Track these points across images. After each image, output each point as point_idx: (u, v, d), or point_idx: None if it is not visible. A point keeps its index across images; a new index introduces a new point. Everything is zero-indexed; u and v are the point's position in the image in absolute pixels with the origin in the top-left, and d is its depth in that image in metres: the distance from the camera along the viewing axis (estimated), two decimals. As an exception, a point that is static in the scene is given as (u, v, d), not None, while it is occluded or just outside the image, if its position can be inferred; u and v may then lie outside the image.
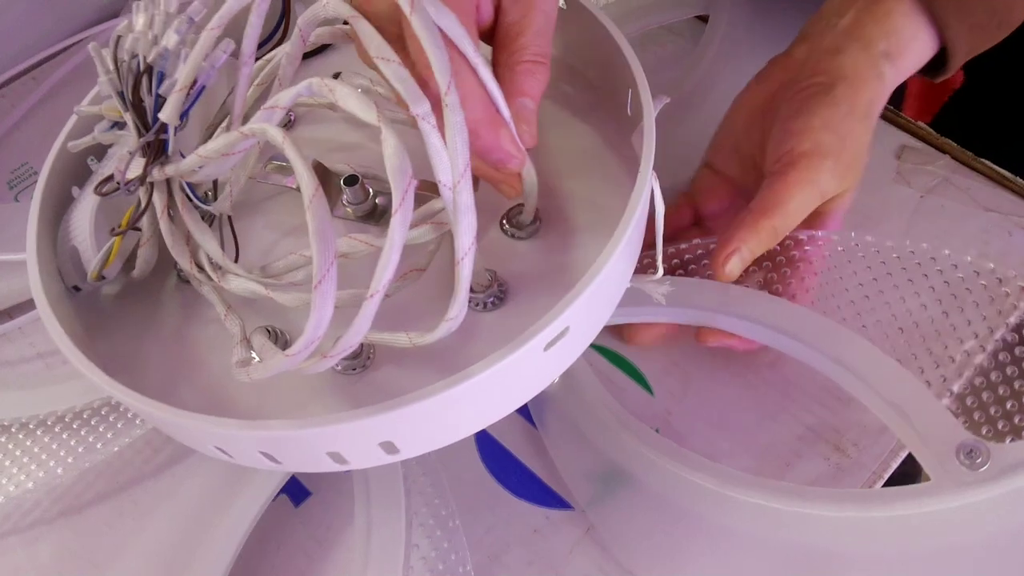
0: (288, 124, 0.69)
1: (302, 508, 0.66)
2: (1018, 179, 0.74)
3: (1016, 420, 0.57)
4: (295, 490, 0.67)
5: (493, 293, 0.54)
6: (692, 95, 0.81)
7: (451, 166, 0.45)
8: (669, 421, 0.67)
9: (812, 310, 0.63)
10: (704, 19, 0.89)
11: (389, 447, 0.49)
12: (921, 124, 0.79)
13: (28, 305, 0.80)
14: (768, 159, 0.64)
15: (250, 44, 0.52)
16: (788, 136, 0.63)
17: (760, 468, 0.64)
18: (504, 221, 0.58)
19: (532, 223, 0.58)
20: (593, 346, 0.70)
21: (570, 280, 0.53)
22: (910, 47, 0.65)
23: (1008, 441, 0.55)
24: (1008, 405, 0.58)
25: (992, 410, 0.58)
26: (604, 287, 0.50)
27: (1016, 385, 0.59)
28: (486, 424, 0.52)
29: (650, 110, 0.55)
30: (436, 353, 0.52)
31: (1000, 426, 0.57)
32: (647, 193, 0.52)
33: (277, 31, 0.69)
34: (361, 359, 0.53)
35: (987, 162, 0.76)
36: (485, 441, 0.68)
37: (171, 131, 0.52)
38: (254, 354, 0.53)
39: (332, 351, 0.46)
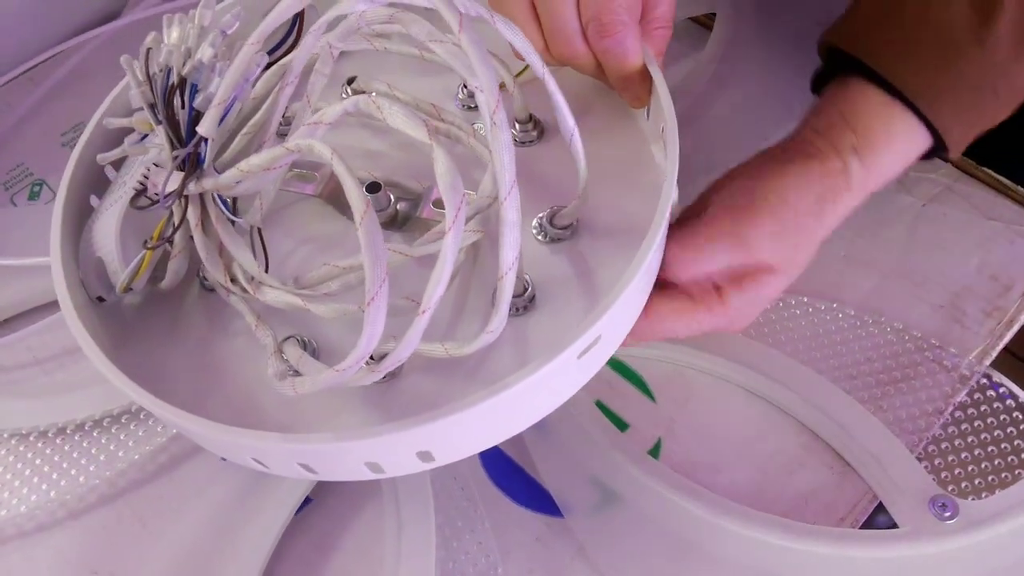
0: None
1: (302, 515, 0.66)
2: (1020, 188, 0.76)
3: (977, 481, 0.62)
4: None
5: (525, 299, 0.54)
6: (702, 97, 0.83)
7: (498, 182, 0.45)
8: (672, 428, 0.68)
9: (796, 360, 0.67)
10: (706, 25, 0.90)
11: (425, 456, 0.49)
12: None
13: (30, 315, 0.80)
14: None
15: (297, 65, 0.53)
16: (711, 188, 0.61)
17: (763, 476, 0.65)
18: (542, 219, 0.58)
19: (568, 226, 0.58)
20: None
21: (594, 287, 0.54)
22: (880, 144, 0.62)
23: (971, 499, 0.60)
24: (970, 468, 0.63)
25: (956, 471, 0.63)
26: (634, 295, 0.51)
27: (985, 445, 0.64)
28: (518, 431, 0.52)
29: (673, 121, 0.56)
30: (464, 361, 0.52)
31: (963, 486, 0.62)
32: (671, 204, 0.53)
33: (289, 36, 0.69)
34: None
35: (989, 171, 0.77)
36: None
37: (208, 145, 0.52)
38: (289, 365, 0.53)
39: (381, 364, 0.46)
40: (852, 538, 0.60)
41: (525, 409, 0.51)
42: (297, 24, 0.69)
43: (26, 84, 0.97)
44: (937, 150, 0.64)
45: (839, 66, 0.65)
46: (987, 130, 0.65)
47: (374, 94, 0.47)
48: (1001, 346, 0.70)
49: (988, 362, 0.69)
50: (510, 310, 0.54)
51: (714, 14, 0.89)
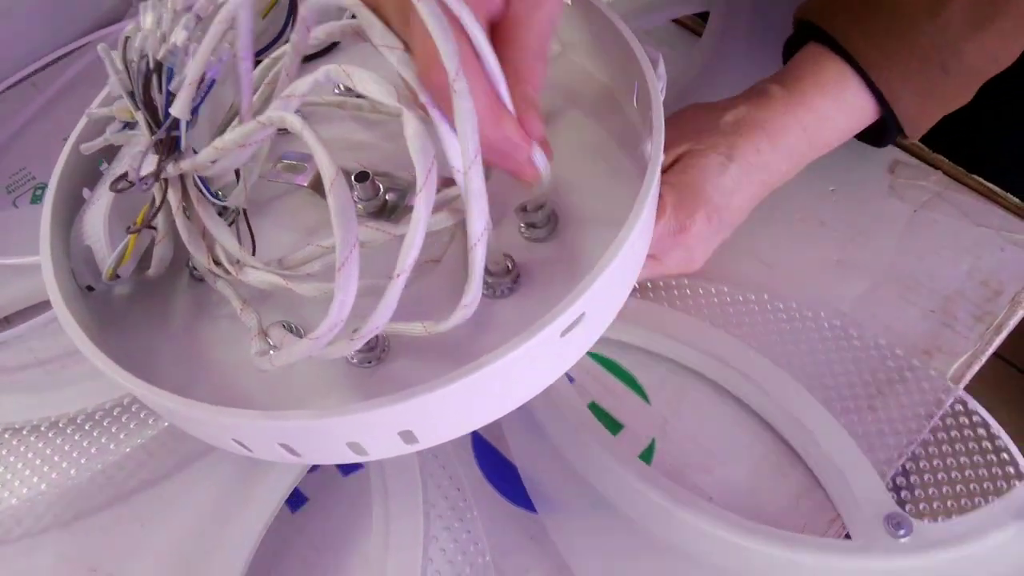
0: None
1: (299, 514, 0.67)
2: (1009, 196, 0.76)
3: (935, 504, 0.62)
4: (292, 496, 0.67)
5: (510, 279, 0.54)
6: (692, 88, 0.83)
7: (461, 151, 0.45)
8: (665, 429, 0.68)
9: (775, 365, 0.67)
10: (694, 30, 0.91)
11: (408, 436, 0.49)
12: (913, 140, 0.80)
13: (29, 312, 0.80)
14: None
15: (245, 39, 0.52)
16: None
17: (755, 477, 0.65)
18: (521, 225, 0.58)
19: (547, 221, 0.58)
20: (590, 354, 0.71)
21: (583, 270, 0.53)
22: (806, 79, 0.66)
23: (927, 521, 0.60)
24: (931, 491, 0.63)
25: (917, 491, 0.62)
26: (619, 272, 0.51)
27: (949, 471, 0.64)
28: (503, 413, 0.52)
29: (658, 104, 0.56)
30: (450, 344, 0.53)
31: (922, 506, 0.62)
32: (657, 181, 0.53)
33: (285, 30, 0.69)
34: (376, 351, 0.53)
35: (978, 178, 0.77)
36: (481, 446, 0.69)
37: (183, 126, 0.52)
38: (273, 346, 0.53)
39: (360, 333, 0.46)
40: (803, 543, 0.60)
41: (507, 389, 0.51)
42: (291, 22, 0.69)
43: (29, 89, 0.98)
44: (893, 125, 0.68)
45: (804, 37, 0.69)
46: (947, 112, 0.68)
47: (343, 64, 0.47)
48: (990, 351, 0.70)
49: (977, 367, 0.69)
50: (496, 292, 0.54)
51: (704, 15, 0.91)
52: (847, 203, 0.78)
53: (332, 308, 0.44)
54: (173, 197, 0.55)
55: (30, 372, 0.76)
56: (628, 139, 0.62)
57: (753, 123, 0.65)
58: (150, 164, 0.53)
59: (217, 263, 0.56)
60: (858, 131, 0.70)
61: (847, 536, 0.62)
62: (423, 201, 0.43)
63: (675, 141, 0.64)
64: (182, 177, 0.55)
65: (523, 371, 0.50)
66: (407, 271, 0.44)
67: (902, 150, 0.81)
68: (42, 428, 0.71)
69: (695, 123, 0.65)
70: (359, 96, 0.67)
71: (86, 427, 0.71)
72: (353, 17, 0.51)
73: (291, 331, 0.55)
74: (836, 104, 0.67)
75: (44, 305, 0.79)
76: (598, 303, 0.51)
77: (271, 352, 0.50)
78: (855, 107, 0.67)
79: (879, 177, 0.79)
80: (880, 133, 0.71)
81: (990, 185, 0.77)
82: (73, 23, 1.01)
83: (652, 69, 0.58)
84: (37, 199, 0.89)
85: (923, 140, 0.80)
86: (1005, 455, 0.63)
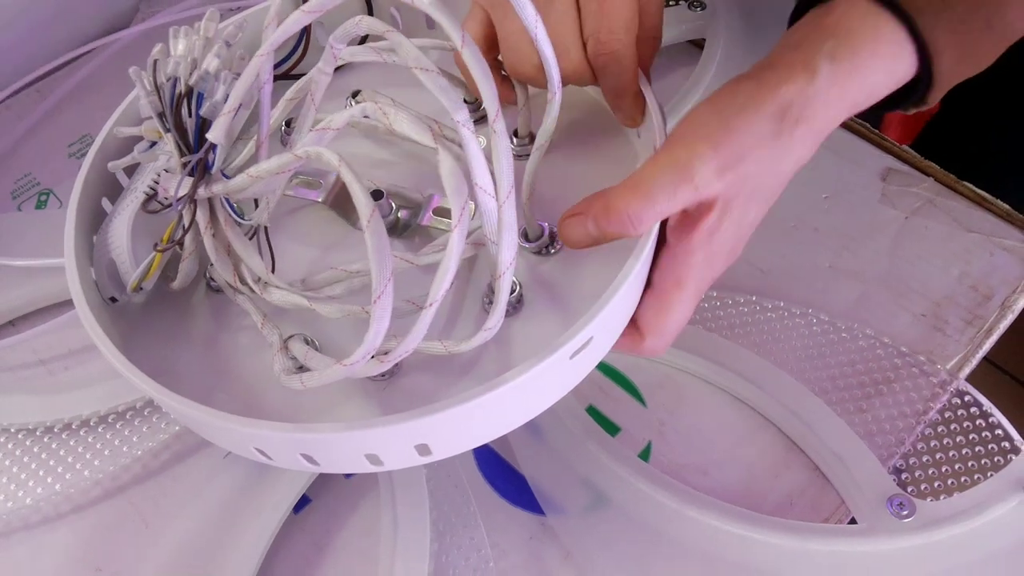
0: None
1: (302, 514, 0.68)
2: (999, 202, 0.78)
3: (936, 484, 0.64)
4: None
5: (514, 298, 0.56)
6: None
7: (497, 186, 0.48)
8: (662, 432, 0.69)
9: (771, 364, 0.69)
10: (699, 44, 0.91)
11: (423, 449, 0.51)
12: (906, 147, 0.82)
13: (35, 316, 0.82)
14: None
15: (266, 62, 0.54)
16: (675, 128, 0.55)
17: (750, 478, 0.67)
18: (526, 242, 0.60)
19: (551, 239, 0.60)
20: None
21: (581, 292, 0.56)
22: (864, 49, 0.55)
23: (929, 500, 0.62)
24: (931, 471, 0.65)
25: (917, 473, 0.65)
26: (625, 299, 0.53)
27: (947, 450, 0.66)
28: (512, 428, 0.54)
29: (662, 133, 0.58)
30: (458, 359, 0.55)
31: (923, 487, 0.64)
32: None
33: (296, 50, 0.70)
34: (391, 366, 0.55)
35: (969, 185, 0.79)
36: (481, 448, 0.70)
37: (218, 151, 0.53)
38: (296, 360, 0.55)
39: (390, 356, 0.49)
40: (812, 531, 0.63)
41: (519, 406, 0.53)
42: (304, 39, 0.70)
43: (33, 96, 0.99)
44: (919, 89, 0.58)
45: None
46: (968, 77, 0.59)
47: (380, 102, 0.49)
48: (981, 354, 0.72)
49: (969, 370, 0.71)
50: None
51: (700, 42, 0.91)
52: (840, 210, 0.79)
53: (367, 336, 0.45)
54: (202, 218, 0.56)
55: (40, 375, 0.77)
56: (631, 163, 0.63)
57: (800, 145, 0.55)
58: (185, 186, 0.54)
59: (242, 281, 0.58)
60: None
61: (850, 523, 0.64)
62: (457, 236, 0.45)
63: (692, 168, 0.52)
64: (210, 198, 0.56)
65: (535, 390, 0.52)
66: (439, 301, 0.46)
67: (895, 157, 0.82)
68: (56, 430, 0.72)
69: (712, 156, 0.52)
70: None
71: (99, 430, 0.72)
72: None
73: (308, 344, 0.57)
74: (888, 74, 0.56)
75: (52, 309, 0.81)
76: (605, 327, 0.53)
77: (302, 374, 0.52)
78: (899, 72, 0.57)
79: (871, 184, 0.81)
80: (894, 100, 0.60)
81: (981, 192, 0.79)
82: (77, 30, 1.01)
83: (658, 108, 0.60)
84: (42, 204, 0.90)
85: (915, 147, 0.82)
86: (1000, 431, 0.66)
